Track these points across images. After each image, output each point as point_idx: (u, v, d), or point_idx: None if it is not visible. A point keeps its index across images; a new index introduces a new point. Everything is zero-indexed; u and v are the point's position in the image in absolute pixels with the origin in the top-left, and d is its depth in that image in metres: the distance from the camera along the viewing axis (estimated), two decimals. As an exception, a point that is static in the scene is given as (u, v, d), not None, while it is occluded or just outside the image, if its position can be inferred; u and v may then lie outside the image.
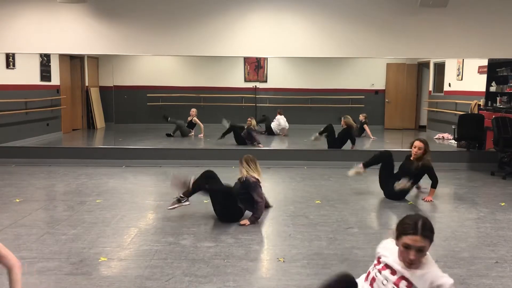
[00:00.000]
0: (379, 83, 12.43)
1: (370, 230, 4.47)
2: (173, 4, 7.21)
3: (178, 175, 4.59)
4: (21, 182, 6.17)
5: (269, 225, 4.48)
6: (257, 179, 4.51)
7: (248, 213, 4.52)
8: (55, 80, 10.29)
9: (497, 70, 8.78)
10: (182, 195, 4.45)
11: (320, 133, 8.51)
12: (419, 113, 12.51)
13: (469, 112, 9.10)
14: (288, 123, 11.14)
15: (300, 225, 4.43)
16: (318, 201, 5.34)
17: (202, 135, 10.59)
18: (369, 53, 7.38)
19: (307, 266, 3.44)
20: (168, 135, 10.47)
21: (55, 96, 10.25)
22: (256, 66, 12.60)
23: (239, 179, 4.62)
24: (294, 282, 3.17)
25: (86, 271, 3.30)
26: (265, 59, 12.43)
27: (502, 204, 5.35)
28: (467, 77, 10.02)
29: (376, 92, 12.45)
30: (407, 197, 5.44)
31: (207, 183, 4.42)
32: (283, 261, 3.53)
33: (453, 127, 8.33)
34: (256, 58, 12.27)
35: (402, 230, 2.18)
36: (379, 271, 2.29)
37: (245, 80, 12.60)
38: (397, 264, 2.24)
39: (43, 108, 9.71)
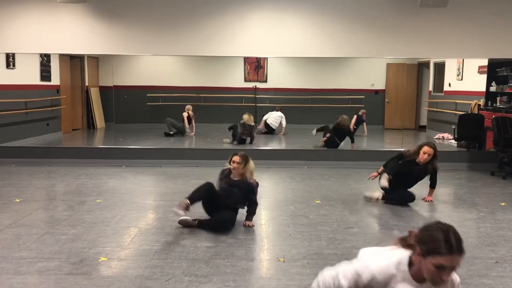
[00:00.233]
0: (379, 83, 12.44)
1: (370, 230, 4.47)
2: (173, 4, 7.21)
3: (184, 219, 4.31)
4: (21, 182, 6.17)
5: (269, 225, 4.48)
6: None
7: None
8: (55, 80, 10.29)
9: (497, 70, 8.78)
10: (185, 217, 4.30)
11: (318, 130, 8.60)
12: (419, 113, 12.52)
13: (469, 112, 9.10)
14: (288, 123, 11.14)
15: (300, 225, 4.43)
16: (318, 201, 5.34)
17: (193, 133, 10.58)
18: (369, 53, 7.38)
19: (307, 266, 3.44)
20: (166, 134, 10.43)
21: (55, 96, 10.25)
22: (256, 66, 12.60)
23: (239, 181, 4.34)
24: (294, 282, 3.17)
25: (86, 271, 3.30)
26: (265, 59, 12.44)
27: (502, 204, 5.35)
28: (467, 77, 10.02)
29: (376, 92, 12.46)
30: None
31: (208, 201, 4.22)
32: (283, 261, 3.53)
33: (453, 127, 8.33)
34: (256, 58, 12.28)
35: (433, 249, 1.78)
36: None
37: (245, 80, 12.61)
38: (410, 286, 1.88)
39: (43, 108, 9.70)
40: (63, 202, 5.25)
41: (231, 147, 8.96)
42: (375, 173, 5.42)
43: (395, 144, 9.67)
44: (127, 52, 7.53)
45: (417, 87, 12.52)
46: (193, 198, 4.11)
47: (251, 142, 9.29)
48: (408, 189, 5.25)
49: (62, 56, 10.44)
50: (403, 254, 1.92)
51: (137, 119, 11.88)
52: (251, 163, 4.36)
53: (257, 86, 12.39)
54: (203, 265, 3.41)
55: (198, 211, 4.35)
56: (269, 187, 6.19)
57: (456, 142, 8.60)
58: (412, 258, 1.87)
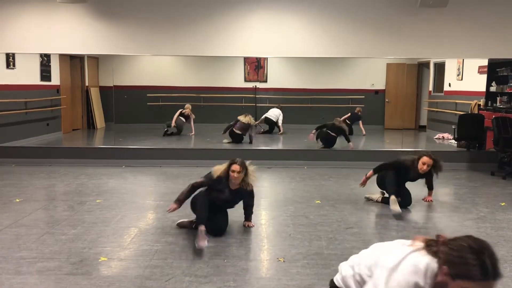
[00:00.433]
0: (379, 83, 12.44)
1: (370, 230, 4.47)
2: (173, 4, 7.21)
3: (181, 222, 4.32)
4: (21, 182, 6.17)
5: (269, 225, 4.48)
6: None
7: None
8: (55, 80, 10.29)
9: (497, 70, 8.78)
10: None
11: (317, 129, 8.68)
12: (419, 113, 12.52)
13: (469, 112, 9.10)
14: (288, 123, 11.15)
15: (300, 225, 4.43)
16: (318, 201, 5.34)
17: (192, 133, 10.56)
18: (369, 53, 7.38)
19: (307, 266, 3.44)
20: (165, 132, 10.40)
21: (55, 96, 10.25)
22: (256, 66, 12.60)
23: (240, 189, 4.09)
24: (294, 282, 3.17)
25: (86, 271, 3.30)
26: (265, 59, 12.44)
27: (502, 204, 5.35)
28: (467, 77, 10.02)
29: (376, 92, 12.46)
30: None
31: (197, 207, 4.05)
32: (283, 261, 3.53)
33: (453, 127, 8.33)
34: (256, 58, 12.28)
35: (464, 274, 1.57)
36: None
37: (245, 80, 12.61)
38: None
39: (43, 108, 9.70)
40: (63, 202, 5.26)
41: (230, 147, 8.96)
42: (364, 179, 5.23)
43: (395, 144, 9.67)
44: (127, 52, 7.53)
45: (417, 87, 12.52)
46: (202, 220, 3.90)
47: (250, 142, 9.29)
48: (405, 186, 5.19)
49: (62, 56, 10.44)
50: (429, 262, 1.71)
51: (137, 119, 11.88)
52: (251, 168, 4.08)
53: (257, 86, 12.39)
54: (203, 265, 3.41)
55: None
56: (269, 187, 6.19)
57: (456, 142, 8.60)
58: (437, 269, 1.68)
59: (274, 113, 11.09)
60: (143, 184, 6.38)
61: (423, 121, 12.26)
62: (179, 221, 4.30)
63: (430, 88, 11.82)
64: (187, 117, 10.58)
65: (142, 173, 6.94)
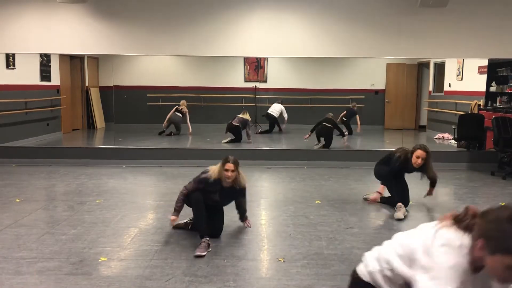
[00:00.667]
0: (379, 83, 12.45)
1: (370, 230, 4.47)
2: (173, 4, 7.21)
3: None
4: (21, 182, 6.17)
5: (269, 225, 4.48)
6: None
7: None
8: (55, 80, 10.29)
9: (497, 70, 8.78)
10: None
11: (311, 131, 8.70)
12: (419, 113, 12.53)
13: (469, 112, 9.10)
14: (288, 123, 11.15)
15: (300, 225, 4.43)
16: (318, 201, 5.34)
17: (190, 131, 10.54)
18: (369, 53, 7.38)
19: (307, 266, 3.44)
20: (161, 132, 10.40)
21: (55, 96, 10.25)
22: (256, 66, 12.60)
23: (234, 187, 4.03)
24: (294, 282, 3.17)
25: (86, 271, 3.30)
26: (265, 59, 12.45)
27: (502, 204, 5.32)
28: (467, 77, 10.03)
29: (376, 92, 12.46)
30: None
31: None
32: (283, 261, 3.53)
33: (453, 127, 8.33)
34: (256, 58, 12.29)
35: (505, 248, 1.43)
36: None
37: (245, 80, 12.61)
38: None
39: (43, 108, 9.71)
40: (63, 202, 5.26)
41: (230, 147, 8.96)
42: (376, 196, 5.26)
43: (395, 144, 9.62)
44: (127, 52, 7.53)
45: (417, 87, 12.53)
46: (205, 232, 3.84)
47: (248, 138, 9.28)
48: (404, 181, 5.16)
49: (62, 56, 10.45)
50: (462, 238, 1.56)
51: (137, 119, 11.89)
52: (240, 170, 4.00)
53: (257, 86, 12.39)
54: (203, 265, 3.41)
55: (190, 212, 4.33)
56: (269, 187, 6.20)
57: (456, 142, 8.60)
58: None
59: (276, 109, 11.07)
60: (143, 184, 6.38)
61: (423, 121, 12.27)
62: (175, 222, 4.22)
63: (430, 88, 11.83)
64: (183, 113, 10.57)
65: (142, 173, 6.94)
